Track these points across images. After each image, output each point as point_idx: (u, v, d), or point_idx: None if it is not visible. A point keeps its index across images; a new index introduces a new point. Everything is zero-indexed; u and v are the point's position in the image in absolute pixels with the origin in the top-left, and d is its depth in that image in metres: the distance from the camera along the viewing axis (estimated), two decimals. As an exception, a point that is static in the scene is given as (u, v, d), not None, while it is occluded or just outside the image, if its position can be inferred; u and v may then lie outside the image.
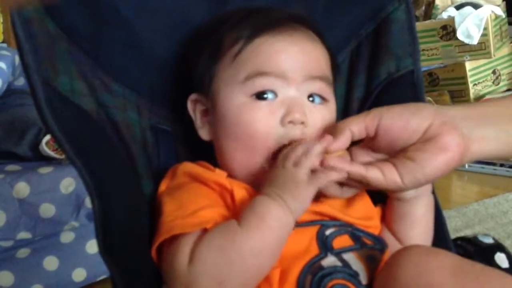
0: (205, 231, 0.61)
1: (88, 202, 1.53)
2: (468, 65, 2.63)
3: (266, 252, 0.60)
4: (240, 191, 0.67)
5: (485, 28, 2.57)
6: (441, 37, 2.69)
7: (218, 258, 0.59)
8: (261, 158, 0.69)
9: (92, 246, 1.62)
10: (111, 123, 0.71)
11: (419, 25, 2.69)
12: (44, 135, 1.59)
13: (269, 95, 0.69)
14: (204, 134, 0.76)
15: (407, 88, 0.83)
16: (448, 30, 2.66)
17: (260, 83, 0.69)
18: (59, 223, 1.56)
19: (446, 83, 2.73)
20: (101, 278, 1.65)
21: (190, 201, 0.66)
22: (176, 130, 0.81)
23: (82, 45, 0.69)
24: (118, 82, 0.74)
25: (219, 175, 0.69)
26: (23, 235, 1.51)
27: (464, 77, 2.67)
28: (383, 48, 0.84)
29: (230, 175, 0.70)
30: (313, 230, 0.67)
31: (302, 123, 0.69)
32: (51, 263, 1.58)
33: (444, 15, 2.74)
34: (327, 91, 0.73)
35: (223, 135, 0.72)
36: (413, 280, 0.57)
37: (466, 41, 2.60)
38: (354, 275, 0.63)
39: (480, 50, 2.63)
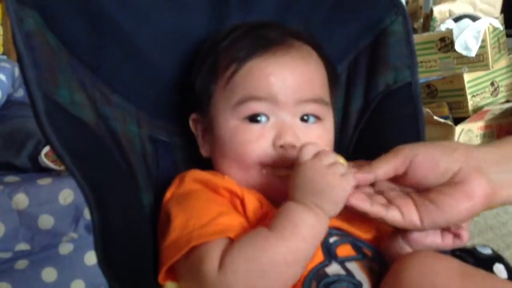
0: (230, 240, 0.61)
1: (87, 214, 1.53)
2: (466, 77, 2.63)
3: (300, 260, 0.60)
4: (251, 198, 0.68)
5: (483, 40, 2.58)
6: (439, 49, 2.70)
7: (251, 267, 0.58)
8: (256, 173, 0.70)
9: (91, 258, 1.62)
10: (111, 134, 0.71)
11: (417, 37, 2.70)
12: (44, 146, 1.59)
13: (262, 118, 0.71)
14: (204, 151, 0.77)
15: (405, 100, 0.83)
16: (446, 42, 2.67)
17: (252, 107, 0.70)
18: (57, 235, 1.55)
19: (444, 95, 2.74)
20: (99, 290, 1.64)
21: (203, 208, 0.65)
22: (175, 142, 0.81)
23: (82, 57, 0.70)
24: (118, 94, 0.74)
25: (229, 182, 0.70)
26: (22, 246, 1.51)
27: (462, 89, 2.67)
28: (381, 60, 0.85)
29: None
30: None
31: (294, 146, 0.69)
32: (49, 274, 1.57)
33: (442, 27, 2.75)
34: (322, 111, 0.74)
35: (219, 155, 0.73)
36: (419, 281, 0.57)
37: (464, 53, 2.61)
38: (357, 285, 0.63)
39: (478, 62, 2.64)
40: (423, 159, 0.63)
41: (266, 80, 0.70)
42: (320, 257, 0.64)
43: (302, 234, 0.59)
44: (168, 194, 0.71)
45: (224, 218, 0.64)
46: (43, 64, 0.62)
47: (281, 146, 0.69)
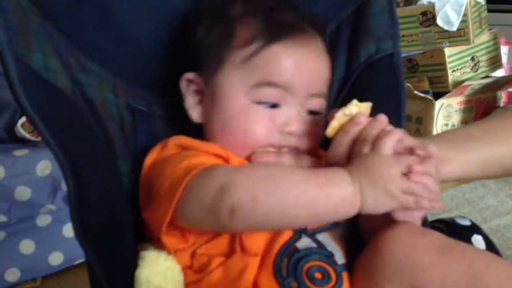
0: None
1: (64, 185, 1.51)
2: (447, 52, 2.64)
3: (307, 213, 0.58)
4: (235, 160, 0.68)
5: (465, 15, 2.58)
6: (420, 23, 2.70)
7: (264, 179, 0.58)
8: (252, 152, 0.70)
9: (69, 230, 1.61)
10: (87, 102, 0.70)
11: (399, 11, 2.69)
12: (20, 117, 1.56)
13: (274, 105, 0.70)
14: (194, 115, 0.75)
15: (386, 71, 0.83)
16: (428, 16, 2.67)
17: (267, 93, 0.70)
18: (35, 206, 1.54)
19: (425, 69, 2.74)
20: (78, 262, 1.64)
21: (191, 156, 0.65)
22: (153, 112, 0.80)
23: (56, 21, 0.67)
24: (94, 60, 0.72)
25: (213, 147, 0.69)
26: (-2, 218, 1.50)
27: (443, 64, 2.67)
28: (363, 30, 0.84)
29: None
30: None
31: (299, 135, 0.70)
32: (27, 246, 1.57)
33: (425, 1, 2.74)
34: (322, 106, 0.74)
35: (219, 127, 0.72)
36: (400, 259, 0.59)
37: (446, 27, 2.61)
38: (329, 256, 0.64)
39: (459, 36, 2.64)
40: None
41: (287, 70, 0.70)
42: (289, 232, 0.64)
43: (328, 193, 0.58)
44: (148, 161, 0.70)
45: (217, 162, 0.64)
46: (15, 26, 0.59)
47: (288, 133, 0.70)
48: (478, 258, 0.58)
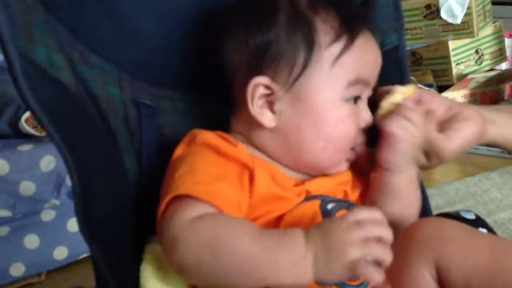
0: (214, 207, 0.60)
1: (69, 180, 1.52)
2: (451, 45, 2.63)
3: (257, 274, 0.56)
4: (262, 173, 0.65)
5: (469, 8, 2.57)
6: (425, 16, 2.69)
7: (211, 242, 0.57)
8: (344, 156, 0.71)
9: (73, 224, 1.61)
10: (90, 97, 0.69)
11: (403, 4, 2.68)
12: (24, 112, 1.56)
13: (358, 100, 0.71)
14: (267, 120, 0.69)
15: (391, 64, 0.82)
16: (432, 9, 2.66)
17: (358, 90, 0.70)
18: (39, 201, 1.55)
19: (429, 63, 2.74)
20: (82, 256, 1.64)
21: (203, 167, 0.64)
22: (158, 106, 0.79)
23: (60, 15, 0.67)
24: (98, 55, 0.72)
25: (240, 152, 0.66)
26: (3, 213, 1.50)
27: (447, 57, 2.67)
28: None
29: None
30: (315, 204, 0.67)
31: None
32: (32, 241, 1.57)
33: (428, -6, 2.74)
34: None
35: (311, 134, 0.69)
36: (431, 237, 0.63)
37: (450, 20, 2.60)
38: None
39: (464, 29, 2.63)
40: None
41: (370, 64, 0.71)
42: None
43: (275, 258, 0.55)
44: (178, 151, 0.68)
45: (219, 184, 0.62)
46: (19, 21, 0.59)
47: (364, 126, 0.72)
48: (500, 240, 0.63)
